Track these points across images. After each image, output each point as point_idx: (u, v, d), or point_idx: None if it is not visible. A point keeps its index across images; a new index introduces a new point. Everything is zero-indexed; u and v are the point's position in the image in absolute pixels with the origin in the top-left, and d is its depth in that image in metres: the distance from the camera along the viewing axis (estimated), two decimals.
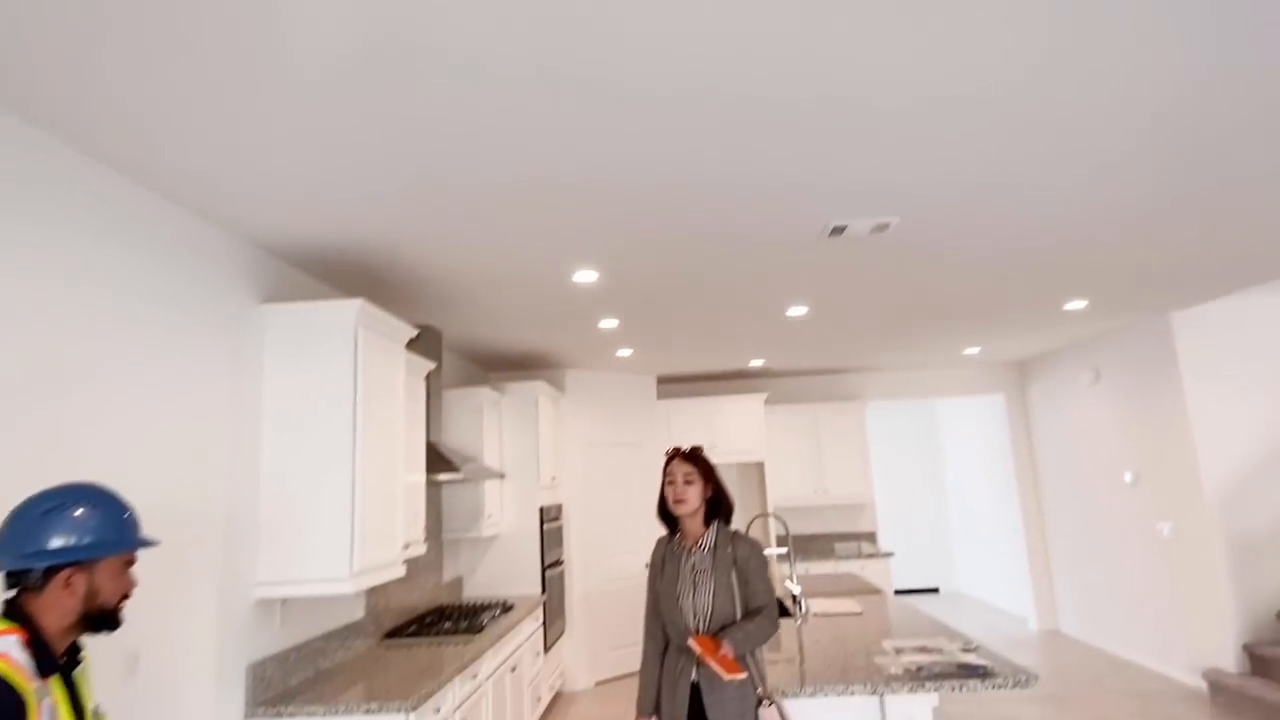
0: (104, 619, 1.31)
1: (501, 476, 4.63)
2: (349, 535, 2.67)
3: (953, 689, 2.42)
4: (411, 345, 4.03)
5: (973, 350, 6.24)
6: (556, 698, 5.33)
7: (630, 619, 6.05)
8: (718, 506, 2.29)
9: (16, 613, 1.24)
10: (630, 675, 5.90)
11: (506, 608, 4.30)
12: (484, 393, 4.80)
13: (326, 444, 2.72)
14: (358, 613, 3.47)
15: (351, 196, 2.42)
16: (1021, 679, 2.42)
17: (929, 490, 9.24)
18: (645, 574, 6.24)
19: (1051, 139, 2.22)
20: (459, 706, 3.06)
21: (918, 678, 2.45)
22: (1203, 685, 4.80)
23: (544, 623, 4.91)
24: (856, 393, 7.26)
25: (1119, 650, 5.79)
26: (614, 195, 2.51)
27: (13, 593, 1.26)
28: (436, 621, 3.92)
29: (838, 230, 2.94)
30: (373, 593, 3.62)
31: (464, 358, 5.42)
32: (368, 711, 2.54)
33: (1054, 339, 5.93)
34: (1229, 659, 4.61)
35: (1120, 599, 5.75)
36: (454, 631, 3.63)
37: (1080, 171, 2.49)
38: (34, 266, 1.83)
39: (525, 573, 5.06)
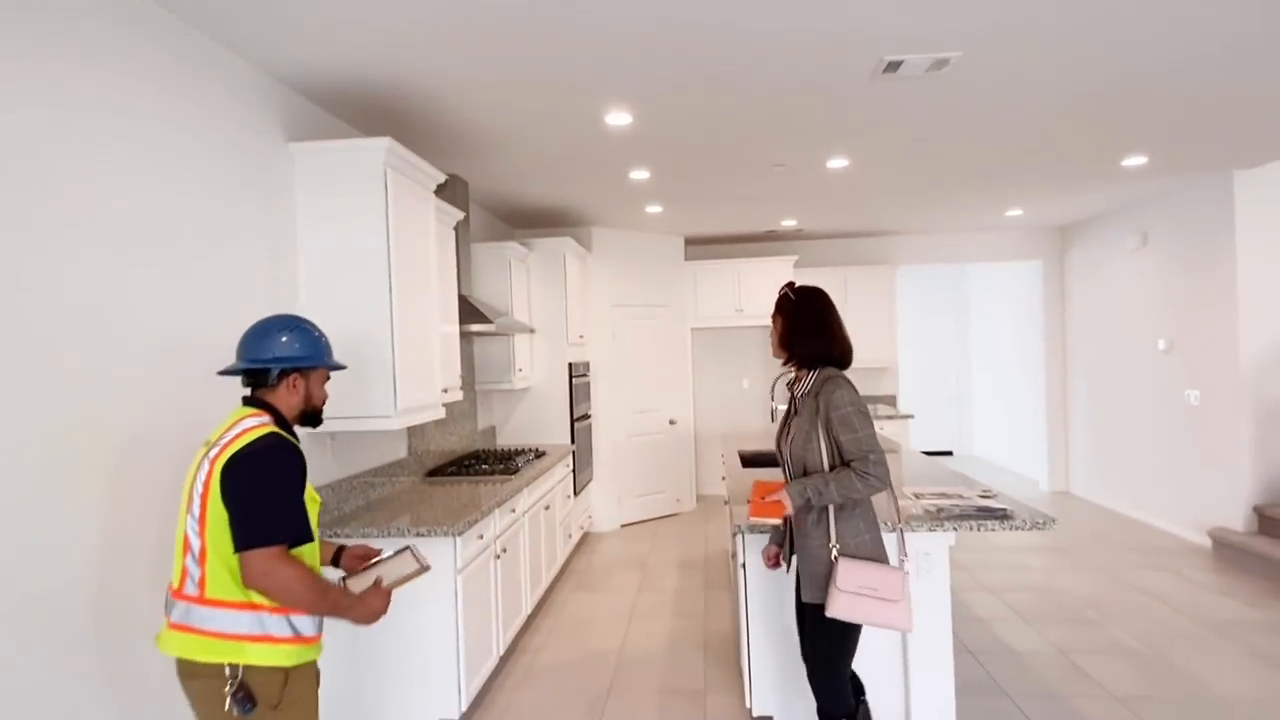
0: (314, 416, 1.76)
1: (531, 331, 4.69)
2: (391, 375, 2.75)
3: (971, 529, 2.53)
4: (439, 194, 3.95)
5: (1015, 212, 6.00)
6: (585, 537, 5.71)
7: (651, 470, 6.34)
8: (798, 349, 2.14)
9: (256, 403, 1.65)
10: (650, 520, 6.27)
11: (539, 454, 4.50)
12: (512, 248, 4.76)
13: (362, 285, 2.74)
14: (400, 451, 3.66)
15: (374, 22, 2.26)
16: (1040, 522, 2.52)
17: (952, 355, 9.28)
18: (668, 430, 6.47)
19: None
20: (499, 536, 3.29)
21: (937, 518, 2.56)
22: (1207, 543, 4.99)
23: (573, 469, 5.16)
24: (888, 256, 7.10)
25: (1127, 510, 6.00)
26: (647, 18, 2.32)
27: (248, 391, 1.67)
28: (475, 463, 4.13)
29: (892, 66, 2.73)
30: (413, 435, 3.80)
31: (490, 213, 5.33)
32: (418, 535, 2.73)
33: (1103, 200, 5.66)
34: (1237, 519, 4.75)
35: (1134, 463, 5.87)
36: (491, 472, 3.83)
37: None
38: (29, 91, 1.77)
39: (555, 424, 5.26)
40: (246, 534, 1.47)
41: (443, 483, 3.69)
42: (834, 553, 2.05)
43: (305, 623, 1.56)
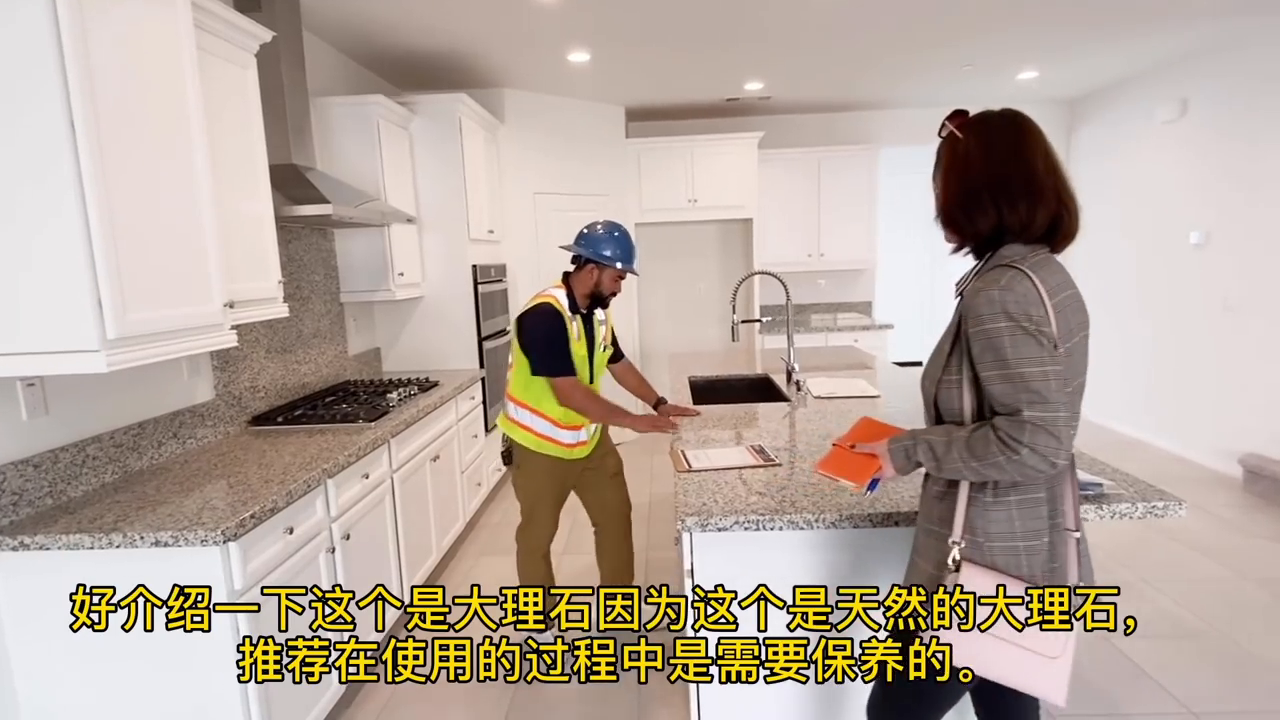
0: (601, 301, 2.48)
1: (409, 220, 3.48)
2: (90, 281, 1.59)
3: None
4: (249, 13, 2.64)
5: (1029, 74, 4.88)
6: (505, 479, 4.73)
7: None
8: (961, 223, 1.24)
9: (566, 280, 2.46)
10: None
11: (427, 385, 3.41)
12: (379, 104, 3.46)
13: (19, 115, 1.53)
14: (202, 392, 2.52)
15: None
16: (1157, 507, 1.58)
17: (929, 254, 8.33)
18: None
19: None
20: (338, 518, 2.24)
21: None
22: (1234, 471, 4.28)
23: (484, 401, 4.10)
24: (869, 135, 5.97)
25: (1128, 431, 5.28)
26: None
27: (571, 269, 2.48)
28: (332, 402, 3.04)
29: None
30: (228, 365, 2.66)
31: (358, 61, 3.96)
32: (158, 544, 1.66)
33: (1137, 58, 4.58)
34: (1276, 446, 4.02)
35: (1141, 377, 5.10)
36: (349, 416, 2.75)
37: None
38: None
39: (458, 344, 4.14)
40: (535, 367, 2.34)
41: (268, 435, 2.59)
42: (955, 552, 1.15)
43: (562, 433, 2.46)
